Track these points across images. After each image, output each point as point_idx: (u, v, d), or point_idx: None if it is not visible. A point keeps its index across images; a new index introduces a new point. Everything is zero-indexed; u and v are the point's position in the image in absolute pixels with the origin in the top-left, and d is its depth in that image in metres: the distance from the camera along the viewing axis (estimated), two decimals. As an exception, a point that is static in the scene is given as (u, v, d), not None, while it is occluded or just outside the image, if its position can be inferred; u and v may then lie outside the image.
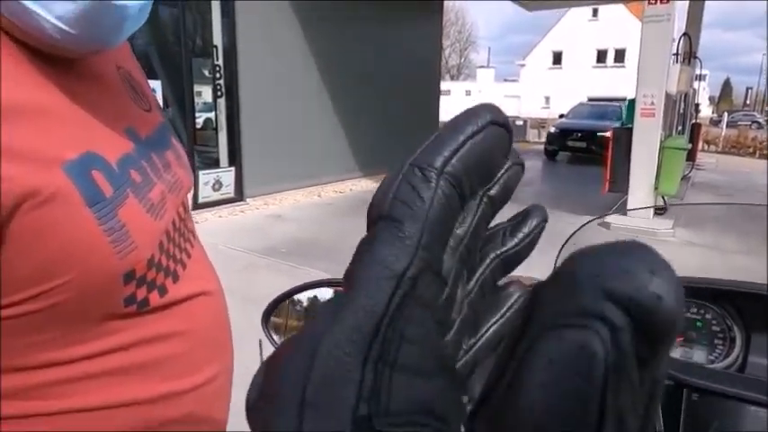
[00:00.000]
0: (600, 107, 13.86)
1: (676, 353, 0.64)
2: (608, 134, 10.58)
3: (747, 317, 0.62)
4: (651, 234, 5.17)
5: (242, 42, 5.85)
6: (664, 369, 0.13)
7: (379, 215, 0.18)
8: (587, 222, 1.02)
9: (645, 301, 0.12)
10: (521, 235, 0.21)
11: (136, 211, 0.49)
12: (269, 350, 0.59)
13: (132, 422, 0.52)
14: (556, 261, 0.83)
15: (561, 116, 13.92)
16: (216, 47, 5.75)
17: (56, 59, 0.48)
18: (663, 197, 6.12)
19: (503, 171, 0.20)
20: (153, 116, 0.62)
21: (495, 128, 0.19)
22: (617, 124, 10.67)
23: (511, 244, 0.21)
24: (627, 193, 5.81)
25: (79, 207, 0.44)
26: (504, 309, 0.20)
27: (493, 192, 0.20)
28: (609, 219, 5.53)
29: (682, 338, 0.64)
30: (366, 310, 0.15)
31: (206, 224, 5.21)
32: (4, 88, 0.41)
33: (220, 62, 5.78)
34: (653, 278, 0.12)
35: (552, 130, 12.59)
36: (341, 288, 0.53)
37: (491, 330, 0.20)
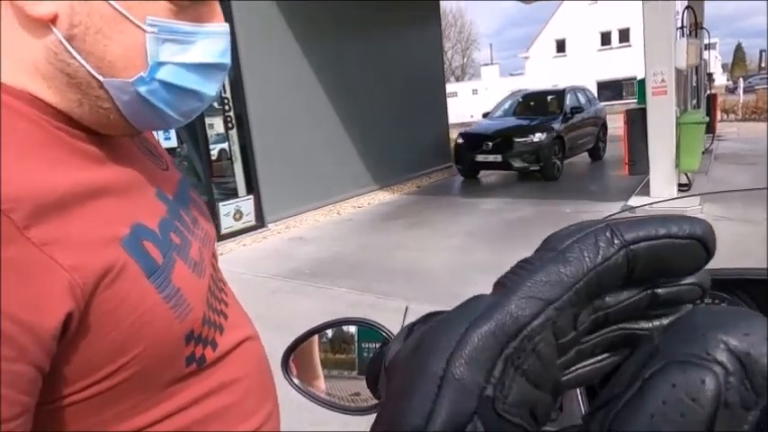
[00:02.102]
0: (539, 96, 9.72)
1: None
2: (535, 138, 7.53)
3: (761, 302, 0.61)
4: (679, 213, 5.04)
5: (246, 72, 5.95)
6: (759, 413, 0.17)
7: (553, 248, 0.20)
8: (614, 214, 1.01)
9: (757, 357, 0.16)
10: (656, 324, 0.22)
11: (185, 274, 0.51)
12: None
13: None
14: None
15: (485, 115, 9.78)
16: (222, 80, 5.86)
17: (91, 139, 0.50)
18: (686, 174, 5.99)
19: (683, 282, 0.22)
20: (172, 174, 0.63)
21: (698, 246, 0.20)
22: (558, 119, 8.09)
23: (641, 326, 0.22)
24: (648, 174, 5.70)
25: (141, 280, 0.46)
26: (595, 360, 0.22)
27: (661, 291, 0.21)
28: (633, 202, 5.43)
29: None
30: (513, 317, 0.19)
31: (231, 254, 5.28)
32: (58, 176, 0.43)
33: (228, 94, 5.89)
34: (764, 342, 0.16)
35: (459, 140, 8.42)
36: (357, 325, 0.53)
37: (581, 372, 0.22)
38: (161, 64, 0.48)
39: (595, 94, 10.33)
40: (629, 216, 0.20)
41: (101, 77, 0.47)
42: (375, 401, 0.55)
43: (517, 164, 7.77)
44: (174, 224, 0.54)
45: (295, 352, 0.59)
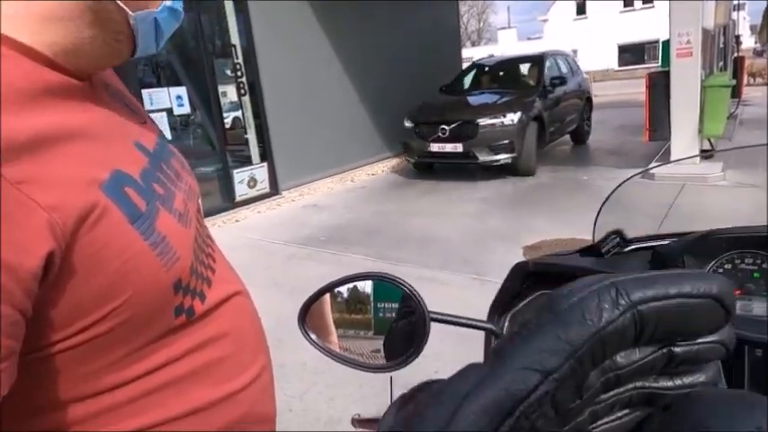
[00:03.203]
0: (510, 64, 7.71)
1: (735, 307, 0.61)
2: (506, 120, 5.72)
3: None
4: (701, 179, 4.94)
5: (259, 37, 5.86)
6: None
7: (552, 310, 0.19)
8: (628, 179, 0.98)
9: None
10: (678, 383, 0.21)
11: (170, 223, 0.51)
12: (306, 353, 0.60)
13: (198, 429, 0.53)
14: (596, 218, 0.80)
15: (442, 89, 7.39)
16: (234, 46, 5.79)
17: (68, 84, 0.48)
18: (709, 140, 5.82)
19: (703, 341, 0.20)
20: (150, 128, 0.63)
21: (714, 305, 0.19)
22: (535, 93, 6.32)
23: (662, 385, 0.21)
24: (669, 140, 5.55)
25: (124, 225, 0.45)
26: (615, 418, 0.21)
27: (679, 350, 0.20)
28: (653, 169, 5.31)
29: (739, 292, 0.61)
30: (508, 392, 0.17)
31: (246, 221, 5.32)
32: (36, 116, 0.42)
33: (240, 60, 5.82)
34: None
35: (407, 123, 6.42)
36: (377, 280, 0.52)
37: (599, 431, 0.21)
38: None
39: (578, 62, 8.40)
40: (638, 275, 0.19)
41: (130, 11, 0.49)
42: (394, 361, 0.54)
43: (484, 156, 5.77)
44: (156, 175, 0.54)
45: (311, 309, 0.59)
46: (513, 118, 5.84)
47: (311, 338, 0.58)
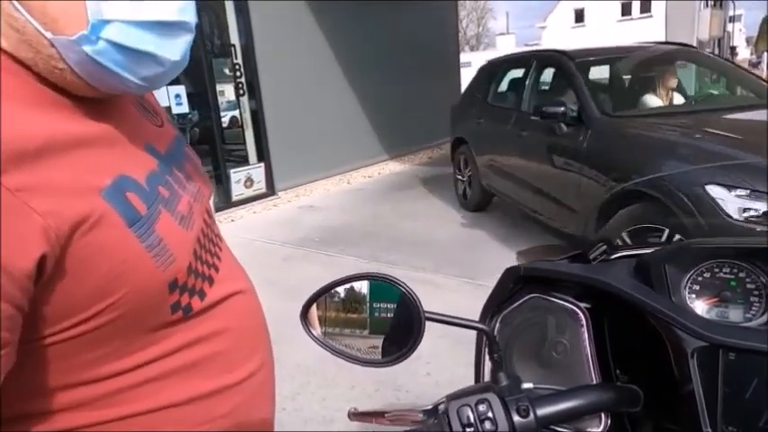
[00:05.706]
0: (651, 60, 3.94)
1: (711, 314, 0.64)
2: None
3: None
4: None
5: (258, 38, 5.87)
6: None
7: None
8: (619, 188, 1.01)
9: None
10: None
11: (170, 225, 0.53)
12: (308, 344, 0.62)
13: (190, 419, 0.56)
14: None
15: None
16: (234, 46, 5.81)
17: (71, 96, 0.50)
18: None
19: None
20: (167, 130, 0.64)
21: None
22: None
23: None
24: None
25: (122, 229, 0.47)
26: None
27: None
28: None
29: (717, 299, 0.64)
30: None
31: (241, 221, 5.33)
32: (39, 126, 0.44)
33: (239, 60, 5.84)
34: None
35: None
36: (375, 280, 0.55)
37: None
38: (106, 22, 0.44)
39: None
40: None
41: (49, 34, 0.44)
42: (390, 357, 0.57)
43: None
44: (164, 178, 0.55)
45: (313, 306, 0.61)
46: None
47: (312, 334, 0.60)
